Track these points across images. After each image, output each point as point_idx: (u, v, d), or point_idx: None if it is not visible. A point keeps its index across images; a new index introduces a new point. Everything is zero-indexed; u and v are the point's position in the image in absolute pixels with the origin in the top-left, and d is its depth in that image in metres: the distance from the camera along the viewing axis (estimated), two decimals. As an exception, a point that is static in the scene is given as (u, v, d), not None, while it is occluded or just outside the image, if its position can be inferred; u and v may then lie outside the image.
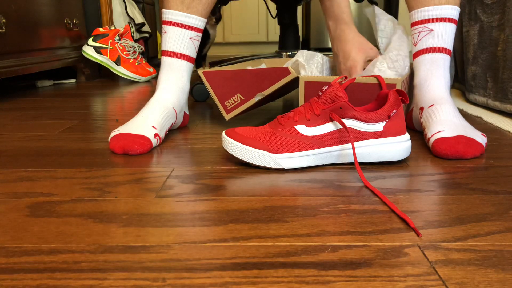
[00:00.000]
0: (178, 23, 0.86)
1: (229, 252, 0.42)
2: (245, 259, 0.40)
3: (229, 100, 0.88)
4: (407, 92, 0.91)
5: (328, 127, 0.65)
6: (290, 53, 1.50)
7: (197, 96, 1.29)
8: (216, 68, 0.90)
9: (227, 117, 0.89)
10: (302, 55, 0.89)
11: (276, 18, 1.55)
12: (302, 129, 0.65)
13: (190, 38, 0.87)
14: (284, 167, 0.65)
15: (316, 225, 0.47)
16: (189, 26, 0.86)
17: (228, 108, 0.89)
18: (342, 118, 0.64)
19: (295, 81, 0.85)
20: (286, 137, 0.65)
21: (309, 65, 0.89)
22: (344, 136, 0.65)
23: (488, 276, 0.37)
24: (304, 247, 0.42)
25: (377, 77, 0.76)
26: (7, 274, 0.38)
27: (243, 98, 0.87)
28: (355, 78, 0.73)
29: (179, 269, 0.39)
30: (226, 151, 0.70)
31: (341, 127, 0.65)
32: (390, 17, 0.97)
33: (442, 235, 0.44)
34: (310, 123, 0.65)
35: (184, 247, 0.43)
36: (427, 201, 0.53)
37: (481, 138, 0.72)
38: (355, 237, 0.44)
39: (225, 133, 0.68)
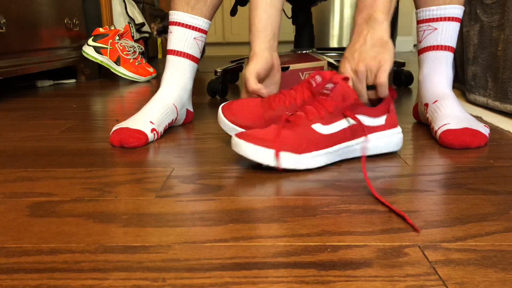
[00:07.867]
0: (183, 24, 0.90)
1: (229, 252, 0.42)
2: (245, 259, 0.40)
3: None
4: None
5: (342, 124, 0.66)
6: (305, 52, 1.54)
7: (212, 92, 1.38)
8: None
9: None
10: None
11: (288, 19, 1.58)
12: (319, 127, 0.65)
13: (194, 38, 0.91)
14: (309, 167, 0.64)
15: (316, 225, 0.47)
16: (193, 26, 0.91)
17: None
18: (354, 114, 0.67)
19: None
20: (304, 136, 0.64)
21: None
22: (354, 132, 0.67)
23: (488, 276, 0.37)
24: (304, 247, 0.42)
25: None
26: (7, 274, 0.38)
27: None
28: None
29: (179, 269, 0.39)
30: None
31: (354, 123, 0.66)
32: None
33: (442, 235, 0.44)
34: (325, 121, 0.65)
35: (184, 247, 0.43)
36: (427, 201, 0.53)
37: (484, 129, 0.77)
38: (355, 237, 0.44)
39: (235, 135, 0.66)
